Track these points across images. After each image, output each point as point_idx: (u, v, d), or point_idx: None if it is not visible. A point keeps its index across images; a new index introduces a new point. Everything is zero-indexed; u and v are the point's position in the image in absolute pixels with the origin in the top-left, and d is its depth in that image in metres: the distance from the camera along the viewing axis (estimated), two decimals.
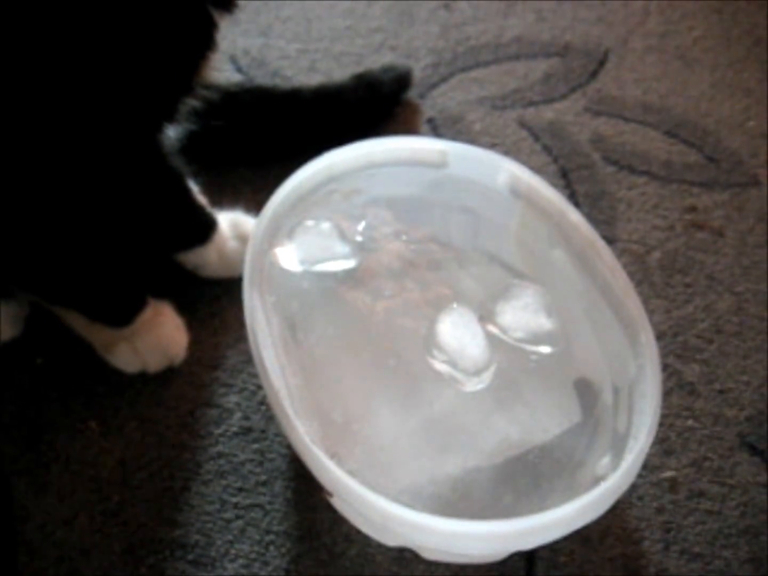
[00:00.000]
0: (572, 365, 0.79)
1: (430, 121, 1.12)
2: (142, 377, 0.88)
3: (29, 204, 0.67)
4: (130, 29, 0.60)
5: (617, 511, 0.82)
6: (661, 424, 0.73)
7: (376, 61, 1.17)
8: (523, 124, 1.13)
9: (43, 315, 0.86)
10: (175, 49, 0.64)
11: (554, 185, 0.87)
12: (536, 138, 1.11)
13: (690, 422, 0.89)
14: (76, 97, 0.61)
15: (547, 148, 1.10)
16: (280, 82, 1.14)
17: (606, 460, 0.73)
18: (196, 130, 0.93)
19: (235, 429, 0.86)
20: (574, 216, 0.85)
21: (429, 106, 1.13)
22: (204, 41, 0.67)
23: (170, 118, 0.73)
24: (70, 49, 0.58)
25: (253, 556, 0.79)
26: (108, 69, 0.61)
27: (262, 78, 1.14)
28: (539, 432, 0.75)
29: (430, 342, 0.77)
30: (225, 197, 0.96)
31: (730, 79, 1.20)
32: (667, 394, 0.88)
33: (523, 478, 0.73)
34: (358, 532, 0.79)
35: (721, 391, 0.91)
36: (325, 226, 0.83)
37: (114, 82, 0.62)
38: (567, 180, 1.07)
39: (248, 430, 0.86)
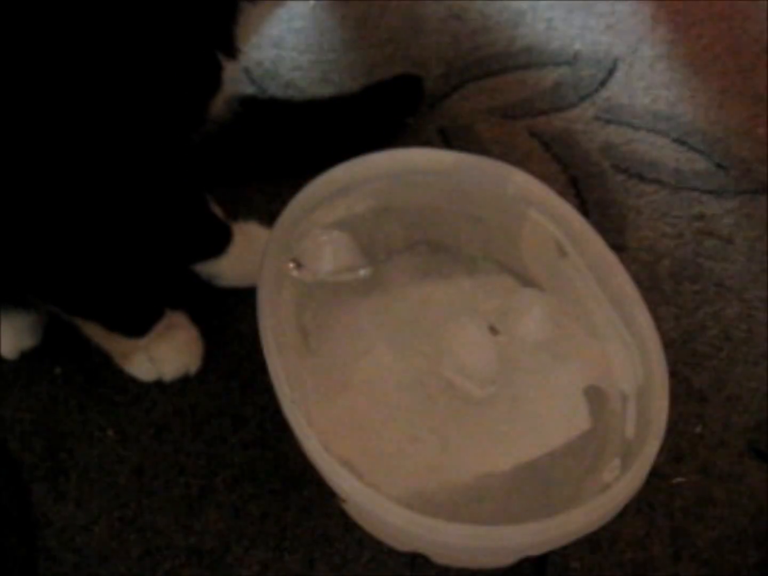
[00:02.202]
0: (581, 373, 0.80)
1: (441, 130, 1.13)
2: (159, 386, 0.89)
3: (50, 217, 0.68)
4: (150, 74, 0.64)
5: (626, 517, 0.83)
6: (670, 431, 0.73)
7: (387, 71, 1.18)
8: (533, 133, 1.14)
9: (62, 324, 0.88)
10: (188, 91, 0.69)
11: (564, 194, 0.88)
12: (546, 147, 1.12)
13: (699, 429, 0.89)
14: (99, 127, 0.64)
15: (557, 157, 1.11)
16: (293, 94, 1.15)
17: (614, 467, 0.74)
18: (210, 142, 0.95)
19: (250, 437, 0.87)
20: (583, 224, 0.86)
21: (440, 116, 1.14)
22: (214, 83, 0.71)
23: (185, 145, 0.75)
24: (93, 90, 0.62)
25: (267, 562, 0.80)
26: (127, 106, 0.64)
27: (275, 89, 1.16)
28: (548, 439, 0.76)
29: (439, 350, 0.78)
30: (240, 208, 0.97)
31: (739, 86, 1.20)
32: (675, 400, 0.88)
33: (533, 485, 0.74)
34: (371, 537, 0.80)
35: (729, 398, 0.92)
36: (338, 236, 0.84)
37: (133, 118, 0.65)
38: (577, 188, 1.08)
39: (263, 438, 0.87)
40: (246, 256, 0.93)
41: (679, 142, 1.14)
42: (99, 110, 0.63)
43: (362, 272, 0.84)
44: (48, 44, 0.59)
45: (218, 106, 0.74)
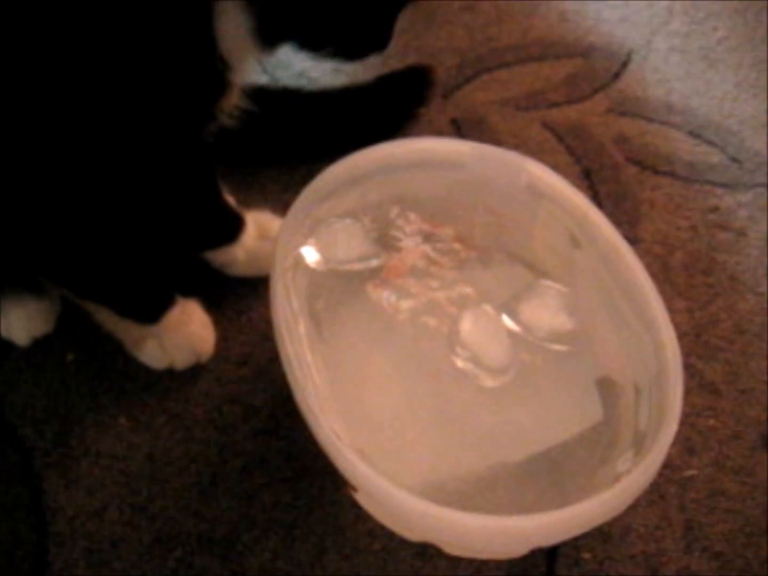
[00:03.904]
0: (594, 364, 0.80)
1: (454, 121, 1.13)
2: (170, 374, 0.89)
3: (64, 200, 0.69)
4: (162, 77, 0.64)
5: (638, 508, 0.83)
6: (682, 423, 0.73)
7: (400, 62, 1.17)
8: (546, 124, 1.13)
9: (75, 312, 0.88)
10: (198, 91, 0.69)
11: (577, 186, 0.87)
12: (559, 139, 1.12)
13: (711, 421, 0.89)
14: (115, 118, 0.64)
15: (570, 149, 1.11)
16: (305, 84, 1.15)
17: (627, 458, 0.73)
18: (224, 131, 0.95)
19: (261, 425, 0.87)
20: (597, 216, 0.85)
21: (453, 107, 1.14)
22: (219, 88, 0.71)
23: (198, 137, 0.76)
24: (108, 86, 0.62)
25: (278, 550, 0.80)
26: (140, 103, 0.65)
27: (287, 79, 1.15)
28: (561, 430, 0.76)
29: (453, 340, 0.78)
30: (252, 197, 0.98)
31: (753, 79, 1.20)
32: (688, 393, 0.88)
33: (545, 475, 0.74)
34: (382, 527, 0.80)
35: (742, 391, 0.91)
36: (351, 225, 0.84)
37: (146, 114, 0.66)
38: (590, 180, 1.07)
39: (274, 427, 0.87)
40: (258, 244, 0.93)
41: (693, 134, 1.14)
42: (109, 106, 0.63)
43: (374, 261, 0.84)
44: (61, 41, 0.59)
45: (230, 104, 0.74)
